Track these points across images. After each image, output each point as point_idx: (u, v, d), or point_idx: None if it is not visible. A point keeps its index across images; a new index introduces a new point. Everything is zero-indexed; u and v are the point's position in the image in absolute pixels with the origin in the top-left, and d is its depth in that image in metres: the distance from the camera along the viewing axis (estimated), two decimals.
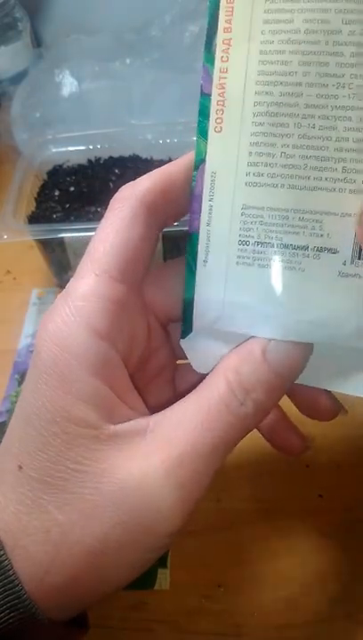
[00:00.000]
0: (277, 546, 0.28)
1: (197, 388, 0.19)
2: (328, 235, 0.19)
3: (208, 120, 0.19)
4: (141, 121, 0.47)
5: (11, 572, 0.17)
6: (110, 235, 0.20)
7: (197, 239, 0.20)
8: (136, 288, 0.20)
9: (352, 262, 0.19)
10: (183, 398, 0.19)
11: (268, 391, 0.19)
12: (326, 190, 0.19)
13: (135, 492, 0.17)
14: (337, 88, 0.18)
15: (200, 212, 0.20)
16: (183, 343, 0.21)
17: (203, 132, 0.20)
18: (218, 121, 0.19)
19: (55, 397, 0.18)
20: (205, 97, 0.19)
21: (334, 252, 0.19)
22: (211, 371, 0.20)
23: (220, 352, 0.20)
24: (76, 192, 0.43)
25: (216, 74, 0.19)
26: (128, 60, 0.52)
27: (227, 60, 0.19)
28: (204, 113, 0.19)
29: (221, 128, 0.19)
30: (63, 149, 0.45)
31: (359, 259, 0.19)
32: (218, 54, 0.19)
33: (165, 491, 0.17)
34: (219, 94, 0.19)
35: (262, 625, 0.26)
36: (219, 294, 0.20)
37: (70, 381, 0.18)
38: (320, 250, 0.19)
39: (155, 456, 0.18)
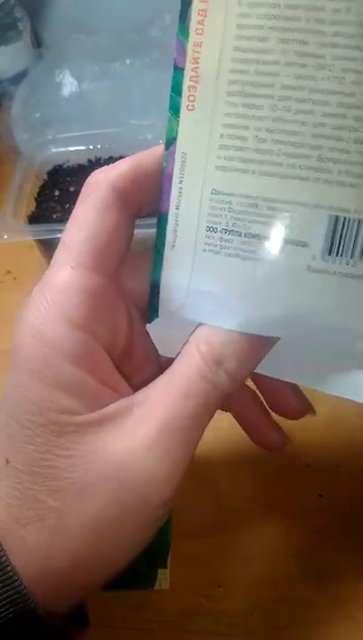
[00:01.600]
0: (277, 546, 0.28)
1: (174, 362, 0.19)
2: (299, 227, 0.18)
3: (181, 97, 0.18)
4: (142, 121, 0.47)
5: (9, 568, 0.17)
6: (84, 224, 0.19)
7: (167, 221, 0.19)
8: (113, 277, 0.20)
9: (322, 257, 0.18)
10: (162, 374, 0.19)
11: (240, 360, 0.19)
12: (299, 179, 0.18)
13: (123, 467, 0.18)
14: (317, 69, 0.17)
15: (170, 193, 0.19)
16: (149, 328, 0.21)
17: (175, 109, 0.19)
18: (191, 98, 0.18)
19: (38, 389, 0.18)
20: (178, 71, 0.18)
21: (304, 245, 0.18)
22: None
23: (186, 338, 0.20)
24: (76, 192, 0.43)
25: (190, 47, 0.18)
26: (128, 61, 0.52)
27: (202, 33, 0.18)
28: (176, 89, 0.18)
29: (193, 106, 0.18)
30: (63, 149, 0.45)
31: (330, 254, 0.18)
32: (193, 26, 0.18)
33: (151, 461, 0.18)
34: (192, 69, 0.18)
35: (262, 625, 0.26)
36: (184, 281, 0.20)
37: (51, 373, 0.18)
38: (289, 242, 0.18)
39: (138, 430, 0.18)
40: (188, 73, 0.18)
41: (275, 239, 0.18)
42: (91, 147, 0.45)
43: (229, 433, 0.27)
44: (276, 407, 0.24)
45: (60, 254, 0.20)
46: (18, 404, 0.18)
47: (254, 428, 0.25)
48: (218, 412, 0.25)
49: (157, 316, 0.21)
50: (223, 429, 0.27)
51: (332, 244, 0.18)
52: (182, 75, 0.18)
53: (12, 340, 0.46)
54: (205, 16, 0.17)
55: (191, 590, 0.27)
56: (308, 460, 0.31)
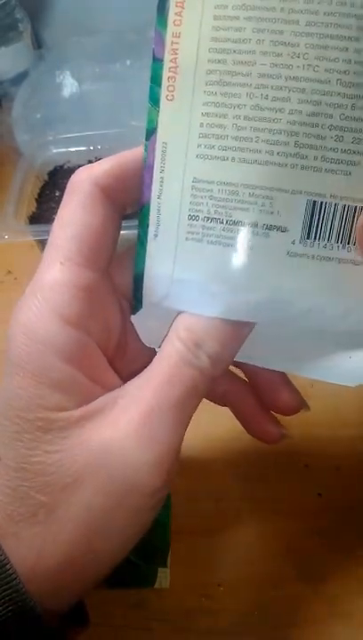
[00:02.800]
0: (277, 545, 0.28)
1: (158, 352, 0.20)
2: (278, 212, 0.18)
3: (160, 87, 0.19)
4: (142, 122, 0.47)
5: (8, 566, 0.17)
6: (71, 221, 0.20)
7: (149, 211, 0.20)
8: (103, 272, 0.20)
9: (301, 242, 0.19)
10: (147, 367, 0.19)
11: (221, 341, 0.19)
12: (277, 165, 0.18)
13: (110, 457, 0.18)
14: (292, 58, 0.17)
15: (151, 183, 0.19)
16: (134, 319, 0.21)
17: (154, 100, 0.19)
18: (170, 89, 0.18)
19: (28, 386, 0.18)
20: (158, 62, 0.18)
21: (284, 230, 0.19)
22: None
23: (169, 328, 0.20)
24: None
25: (169, 38, 0.18)
26: (129, 62, 0.53)
27: (180, 24, 0.18)
28: (155, 79, 0.19)
29: (173, 96, 0.18)
30: (64, 150, 0.45)
31: (308, 238, 0.19)
32: (171, 18, 0.18)
33: (138, 448, 0.18)
34: (171, 60, 0.18)
35: (262, 624, 0.26)
36: (168, 270, 0.20)
37: (42, 370, 0.18)
38: (270, 228, 0.19)
39: (122, 418, 0.18)
40: (167, 64, 0.18)
41: (256, 225, 0.19)
42: (91, 147, 0.45)
43: (229, 433, 0.27)
44: (270, 403, 0.24)
45: (48, 253, 0.20)
46: (8, 400, 0.19)
47: (251, 421, 0.25)
48: (217, 412, 0.25)
49: (142, 306, 0.21)
50: (223, 429, 0.27)
51: (310, 228, 0.18)
52: (161, 65, 0.18)
53: None
54: (183, 7, 0.18)
55: (191, 589, 0.27)
56: (307, 460, 0.31)
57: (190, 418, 0.19)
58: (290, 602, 0.27)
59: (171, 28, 0.18)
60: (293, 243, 0.19)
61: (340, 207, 0.18)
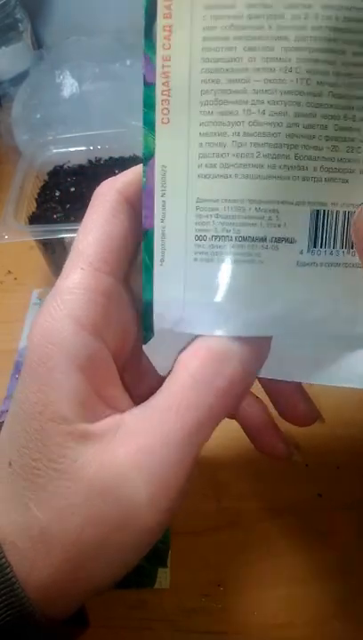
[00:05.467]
0: (277, 545, 0.28)
1: (165, 381, 0.19)
2: (285, 224, 0.19)
3: (154, 111, 0.19)
4: (142, 122, 0.47)
5: (8, 570, 0.17)
6: (93, 228, 0.20)
7: (153, 236, 0.19)
8: (123, 280, 0.20)
9: (309, 251, 0.19)
10: (155, 394, 0.19)
11: (232, 380, 0.18)
12: (279, 178, 0.18)
13: (106, 488, 0.17)
14: (284, 72, 0.17)
15: (153, 207, 0.19)
16: (146, 349, 0.20)
17: (149, 125, 0.19)
18: (164, 112, 0.18)
19: (37, 391, 0.18)
20: (149, 87, 0.18)
21: (292, 241, 0.19)
22: None
23: None
24: (76, 192, 0.43)
25: (159, 62, 0.18)
26: (128, 62, 0.53)
27: (169, 48, 0.18)
28: (148, 104, 0.19)
29: (168, 119, 0.19)
30: (64, 150, 0.45)
31: (315, 247, 0.19)
32: (159, 42, 0.18)
33: (137, 483, 0.17)
34: (163, 84, 0.18)
35: (262, 624, 0.26)
36: (178, 294, 0.20)
37: (54, 374, 0.18)
38: (278, 240, 0.19)
39: (124, 449, 0.18)
40: (159, 87, 0.18)
41: (265, 239, 0.19)
42: (91, 147, 0.45)
43: (229, 433, 0.27)
44: (285, 414, 0.24)
45: (71, 259, 0.20)
46: (20, 404, 0.18)
47: (260, 437, 0.24)
48: None
49: (153, 334, 0.20)
50: (223, 429, 0.27)
51: (315, 237, 0.19)
52: (153, 90, 0.18)
53: (13, 339, 0.46)
54: (171, 31, 0.18)
55: (191, 589, 0.27)
56: (307, 460, 0.31)
57: (199, 450, 0.18)
58: (290, 602, 0.27)
59: (160, 52, 0.18)
60: (301, 253, 0.19)
61: (341, 214, 0.19)
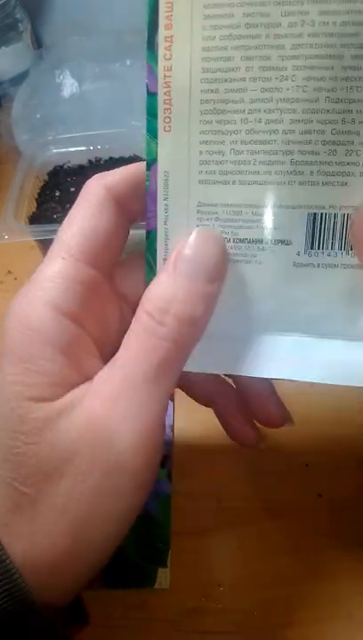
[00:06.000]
0: (276, 545, 0.28)
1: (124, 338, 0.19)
2: (281, 227, 0.20)
3: (157, 119, 0.19)
4: (142, 122, 0.47)
5: (8, 561, 0.17)
6: (78, 221, 0.20)
7: (156, 237, 0.21)
8: (105, 273, 0.21)
9: (305, 252, 0.20)
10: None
11: (188, 300, 0.19)
12: (276, 184, 0.19)
13: (86, 440, 0.18)
14: (281, 81, 0.18)
15: (156, 210, 0.20)
16: None
17: (152, 132, 0.20)
18: (166, 120, 0.19)
19: (15, 373, 0.18)
20: (152, 96, 0.19)
21: (288, 243, 0.20)
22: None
23: None
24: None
25: (161, 72, 0.19)
26: (129, 61, 0.53)
27: (170, 58, 0.19)
28: (151, 112, 0.19)
29: (170, 127, 0.19)
30: (64, 150, 0.45)
31: (312, 248, 0.20)
32: (161, 52, 0.19)
33: (113, 427, 0.18)
34: (165, 93, 0.19)
35: (262, 625, 0.26)
36: None
37: (31, 357, 0.18)
38: (275, 242, 0.20)
39: (97, 400, 0.18)
40: (161, 96, 0.19)
41: (261, 241, 0.20)
42: (91, 147, 0.45)
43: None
44: (257, 415, 0.25)
45: (52, 248, 0.20)
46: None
47: (231, 423, 0.25)
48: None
49: None
50: (222, 429, 0.27)
51: (313, 239, 0.20)
52: (156, 99, 0.19)
53: None
54: (172, 42, 0.19)
55: (191, 589, 0.27)
56: (307, 460, 0.31)
57: (169, 391, 0.19)
58: (290, 602, 0.27)
59: (162, 62, 0.19)
60: (298, 254, 0.20)
61: (339, 216, 0.19)
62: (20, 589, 0.17)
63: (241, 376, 0.21)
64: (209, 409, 0.26)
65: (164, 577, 0.28)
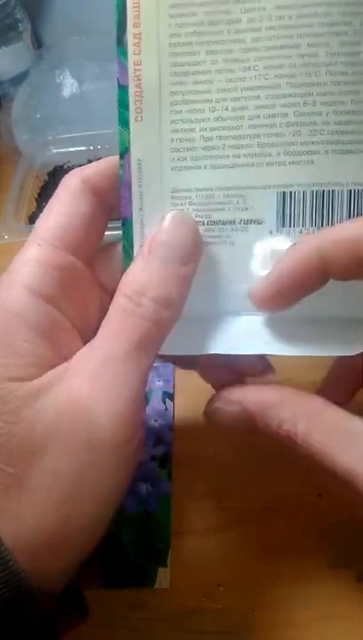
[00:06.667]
0: (276, 545, 0.28)
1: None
2: (252, 207, 0.21)
3: (128, 110, 0.21)
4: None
5: (3, 548, 0.17)
6: (54, 212, 0.21)
7: (131, 224, 0.21)
8: (84, 261, 0.21)
9: (278, 231, 0.21)
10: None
11: (163, 283, 0.19)
12: (245, 166, 0.20)
13: (67, 418, 0.18)
14: (244, 71, 0.20)
15: (130, 198, 0.21)
16: None
17: (124, 122, 0.21)
18: (138, 111, 0.20)
19: None
20: (123, 89, 0.20)
21: (260, 222, 0.21)
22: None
23: None
24: None
25: (131, 67, 0.20)
26: None
27: (139, 54, 0.20)
28: (123, 104, 0.21)
29: (141, 117, 0.20)
30: (64, 150, 0.45)
31: (284, 226, 0.21)
32: (130, 48, 0.20)
33: (93, 404, 0.18)
34: (136, 85, 0.20)
35: (262, 625, 0.26)
36: None
37: (9, 338, 0.18)
38: (247, 222, 0.21)
39: (76, 379, 0.18)
40: (132, 89, 0.20)
41: (234, 222, 0.21)
42: (91, 147, 0.45)
43: (230, 433, 0.27)
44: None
45: (29, 238, 0.20)
46: None
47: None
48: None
49: None
50: (223, 429, 0.27)
51: (283, 216, 0.21)
52: (127, 91, 0.20)
53: None
54: (140, 39, 0.20)
55: (191, 589, 0.27)
56: (307, 460, 0.31)
57: (148, 370, 0.19)
58: (290, 602, 0.27)
59: (131, 58, 0.20)
60: (270, 232, 0.21)
61: (308, 193, 0.20)
62: (16, 575, 0.17)
63: (219, 355, 0.21)
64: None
65: (164, 577, 0.28)
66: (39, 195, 0.43)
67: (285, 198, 0.21)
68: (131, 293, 0.19)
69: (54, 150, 0.45)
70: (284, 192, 0.20)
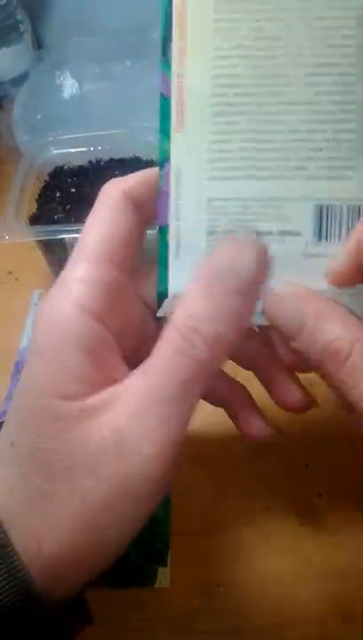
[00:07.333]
0: (276, 545, 0.28)
1: (154, 348, 0.19)
2: (289, 219, 0.21)
3: (169, 121, 0.21)
4: (142, 123, 0.47)
5: (10, 549, 0.18)
6: (97, 224, 0.21)
7: (167, 233, 0.22)
8: (126, 274, 0.21)
9: (314, 243, 0.21)
10: (145, 360, 0.19)
11: (217, 318, 0.19)
12: (283, 178, 0.21)
13: (110, 447, 0.18)
14: (284, 86, 0.20)
15: (168, 206, 0.21)
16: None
17: (165, 133, 0.21)
18: (179, 122, 0.21)
19: (43, 372, 0.19)
20: (165, 100, 0.21)
21: (297, 234, 0.21)
22: None
23: None
24: (77, 193, 0.43)
25: (174, 79, 0.21)
26: (129, 62, 0.53)
27: (183, 66, 0.21)
28: (165, 115, 0.21)
29: (181, 129, 0.21)
30: (64, 151, 0.45)
31: (320, 240, 0.21)
32: (174, 61, 0.21)
33: (137, 438, 0.18)
34: (178, 97, 0.21)
35: (262, 624, 0.26)
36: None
37: (58, 356, 0.19)
38: (283, 234, 0.21)
39: (124, 411, 0.18)
40: (174, 100, 0.21)
41: (271, 233, 0.21)
42: (92, 148, 0.45)
43: (230, 433, 0.27)
44: (279, 400, 0.24)
45: (76, 252, 0.21)
46: (26, 387, 0.19)
47: (244, 419, 0.25)
48: (217, 412, 0.25)
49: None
50: (223, 429, 0.27)
51: (320, 230, 0.21)
52: (169, 102, 0.21)
53: (13, 340, 0.46)
54: (185, 53, 0.21)
55: (191, 589, 0.27)
56: (307, 460, 0.31)
57: (193, 407, 0.19)
58: (290, 602, 0.27)
59: (175, 70, 0.21)
60: (307, 245, 0.21)
61: (345, 207, 0.21)
62: (26, 584, 0.17)
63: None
64: (209, 409, 0.26)
65: (164, 576, 0.28)
66: (40, 195, 0.43)
67: (322, 212, 0.21)
68: (183, 329, 0.19)
69: (55, 151, 0.45)
70: (321, 205, 0.21)
